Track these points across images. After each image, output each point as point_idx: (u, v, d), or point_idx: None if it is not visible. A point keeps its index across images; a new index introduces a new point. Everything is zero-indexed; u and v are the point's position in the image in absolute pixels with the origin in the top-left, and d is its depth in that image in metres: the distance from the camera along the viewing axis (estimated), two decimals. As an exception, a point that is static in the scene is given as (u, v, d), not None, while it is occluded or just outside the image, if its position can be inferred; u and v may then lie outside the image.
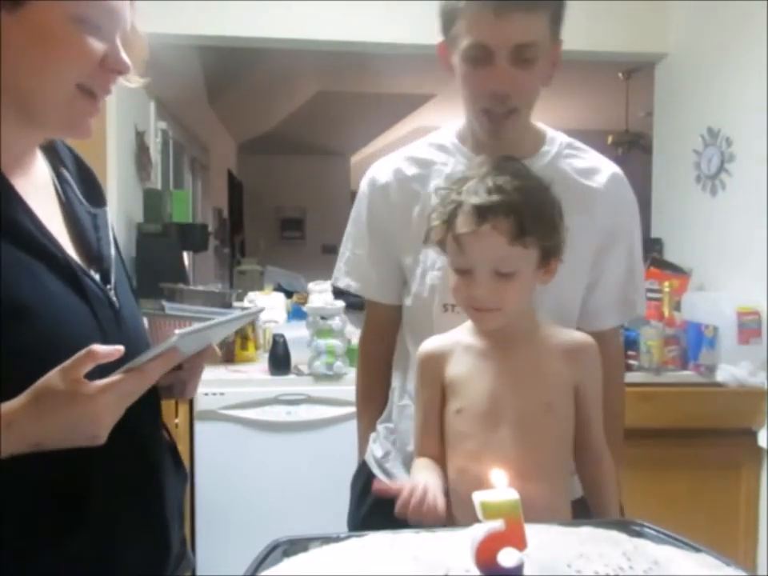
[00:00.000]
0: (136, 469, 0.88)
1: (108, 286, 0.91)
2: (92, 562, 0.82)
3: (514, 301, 1.03)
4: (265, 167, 7.81)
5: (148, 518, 0.90)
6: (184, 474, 1.04)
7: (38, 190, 0.90)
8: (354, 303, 3.02)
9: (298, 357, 2.58)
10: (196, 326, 0.82)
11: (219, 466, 2.45)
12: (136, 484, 0.88)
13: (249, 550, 0.73)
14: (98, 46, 0.83)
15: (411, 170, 1.26)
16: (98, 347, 0.75)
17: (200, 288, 3.01)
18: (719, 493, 2.52)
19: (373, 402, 1.41)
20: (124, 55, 0.87)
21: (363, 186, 1.33)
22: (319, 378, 2.51)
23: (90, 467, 0.81)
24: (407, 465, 1.25)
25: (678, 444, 2.46)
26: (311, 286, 2.72)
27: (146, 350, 0.80)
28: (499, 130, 1.15)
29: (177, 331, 0.76)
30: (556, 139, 1.25)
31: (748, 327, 2.54)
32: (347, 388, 2.51)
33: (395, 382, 1.35)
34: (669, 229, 3.26)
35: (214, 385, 2.45)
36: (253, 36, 3.03)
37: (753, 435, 2.50)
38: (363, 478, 1.36)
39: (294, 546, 0.71)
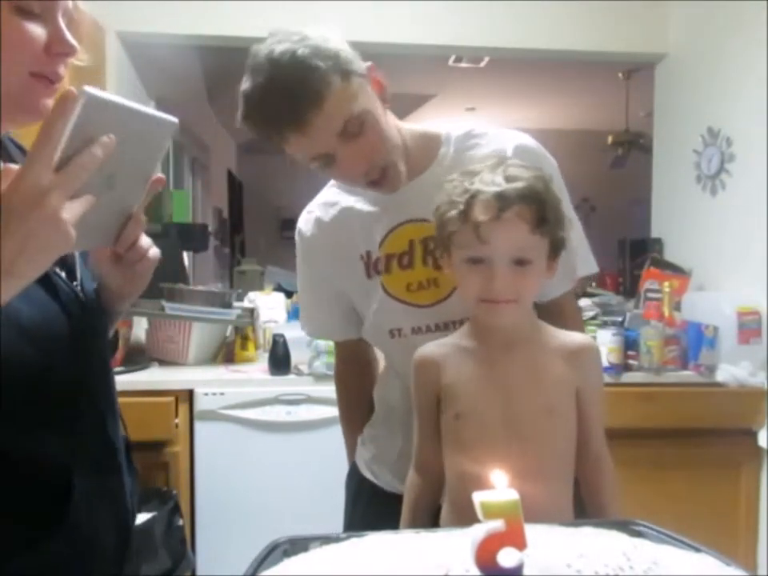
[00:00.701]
0: (107, 469, 0.91)
1: (75, 283, 0.92)
2: (71, 556, 0.84)
3: (530, 292, 1.01)
4: (265, 167, 7.79)
5: (114, 509, 0.94)
6: (135, 469, 1.09)
7: None
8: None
9: (297, 357, 2.58)
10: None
11: (219, 465, 2.45)
12: (108, 485, 0.91)
13: (249, 549, 0.73)
14: (39, 32, 0.81)
15: (329, 215, 1.31)
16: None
17: (200, 288, 3.01)
18: (719, 493, 2.52)
19: (353, 421, 1.48)
20: (69, 36, 0.84)
21: (296, 239, 1.38)
22: (319, 377, 2.51)
23: (68, 469, 0.82)
24: (392, 467, 1.31)
25: (678, 444, 2.46)
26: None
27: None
28: (389, 185, 1.15)
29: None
30: (450, 136, 1.23)
31: (748, 327, 2.54)
32: (347, 388, 2.52)
33: (376, 393, 1.40)
34: (669, 229, 3.27)
35: (214, 385, 2.46)
36: (253, 36, 3.01)
37: (753, 435, 2.50)
38: (355, 478, 1.41)
39: (294, 546, 0.71)
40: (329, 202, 1.32)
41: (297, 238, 1.38)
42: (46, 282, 0.85)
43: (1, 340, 0.77)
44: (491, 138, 1.22)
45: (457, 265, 1.03)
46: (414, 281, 1.20)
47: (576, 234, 1.25)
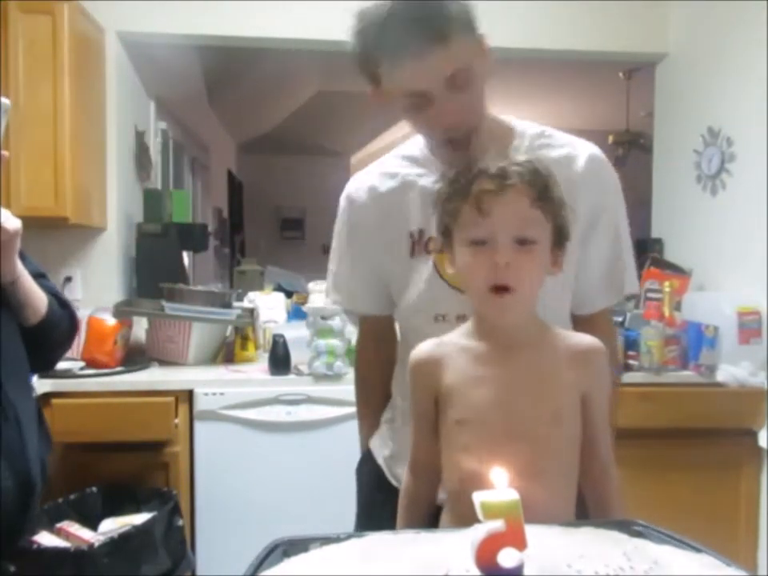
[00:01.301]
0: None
1: None
2: None
3: (534, 277, 0.97)
4: (265, 167, 7.81)
5: (11, 464, 1.06)
6: (48, 436, 1.23)
7: None
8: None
9: (298, 357, 2.58)
10: None
11: (219, 465, 2.45)
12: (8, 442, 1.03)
13: (249, 549, 0.73)
14: None
15: (385, 185, 1.26)
16: None
17: (200, 288, 3.01)
18: (719, 493, 2.52)
19: (371, 404, 1.43)
20: None
21: (342, 204, 1.34)
22: (319, 377, 2.51)
23: None
24: None
25: (678, 444, 2.46)
26: (311, 286, 2.72)
27: None
28: (467, 150, 1.13)
29: None
30: (525, 132, 1.23)
31: (748, 327, 2.54)
32: (347, 388, 2.50)
33: (395, 386, 1.36)
34: (669, 229, 3.26)
35: (214, 385, 2.45)
36: (253, 36, 3.03)
37: (753, 435, 2.50)
38: (371, 469, 1.36)
39: (294, 546, 0.71)
40: (389, 172, 1.28)
41: (344, 202, 1.33)
42: None
43: None
44: (564, 142, 1.23)
45: (459, 252, 1.00)
46: None
47: (627, 251, 1.27)
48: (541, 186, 0.96)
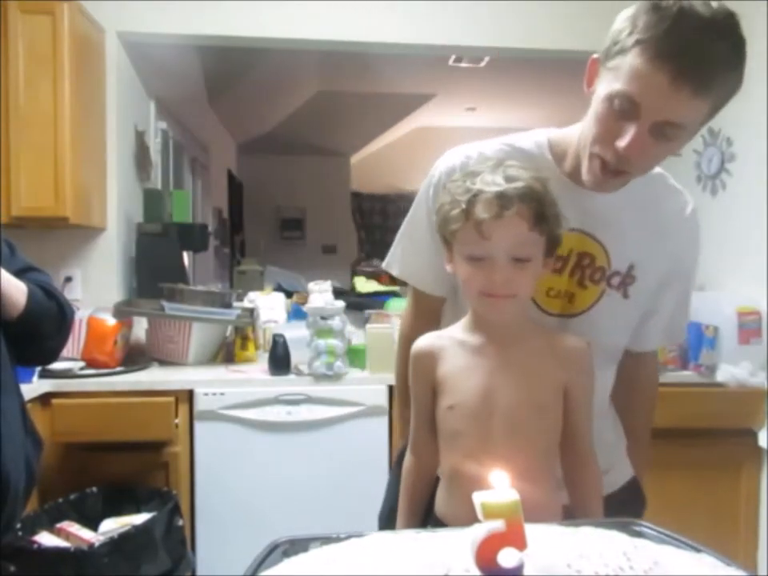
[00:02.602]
0: None
1: None
2: None
3: (527, 287, 1.04)
4: (265, 167, 7.80)
5: None
6: (37, 439, 1.25)
7: None
8: (353, 303, 3.03)
9: (297, 357, 2.58)
10: None
11: (219, 466, 2.45)
12: None
13: (249, 549, 0.73)
14: None
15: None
16: None
17: (200, 288, 3.01)
18: (719, 493, 2.52)
19: None
20: None
21: (438, 173, 1.23)
22: (319, 378, 2.51)
23: None
24: None
25: (678, 444, 2.46)
26: (311, 285, 2.72)
27: None
28: (605, 184, 1.09)
29: None
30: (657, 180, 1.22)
31: (748, 327, 2.54)
32: (347, 388, 2.52)
33: None
34: (669, 229, 3.26)
35: (214, 385, 2.45)
36: (253, 36, 3.03)
37: (753, 435, 2.50)
38: None
39: (294, 546, 0.71)
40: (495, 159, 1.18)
41: (440, 172, 1.22)
42: None
43: None
44: (674, 190, 1.24)
45: (458, 261, 1.06)
46: (555, 287, 1.17)
47: (689, 302, 1.31)
48: (538, 208, 1.00)
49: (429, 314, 1.36)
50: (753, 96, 2.65)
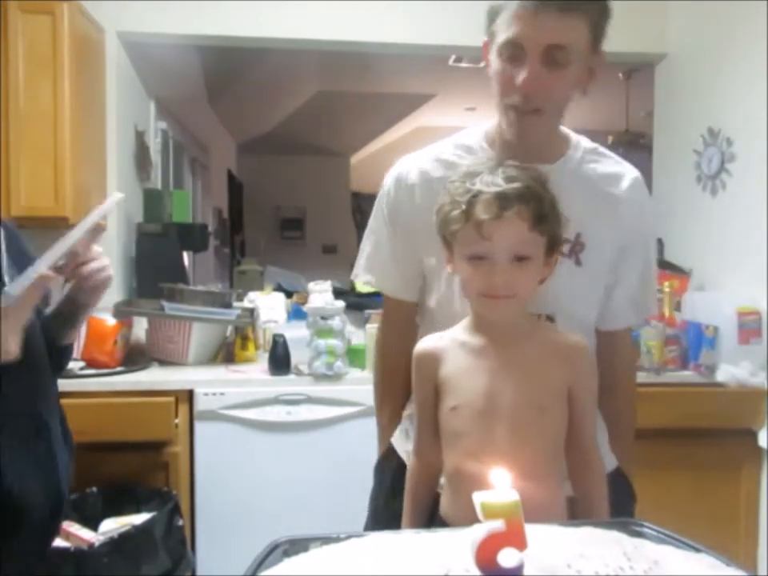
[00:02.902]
0: (36, 445, 1.05)
1: None
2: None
3: (528, 287, 1.04)
4: (265, 167, 7.80)
5: (45, 479, 1.10)
6: (71, 444, 1.26)
7: None
8: (353, 303, 3.03)
9: (297, 357, 2.58)
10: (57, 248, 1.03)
11: (219, 465, 2.45)
12: (36, 454, 1.05)
13: (249, 549, 0.73)
14: None
15: (437, 172, 1.25)
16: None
17: (200, 288, 3.01)
18: (719, 493, 2.52)
19: (393, 396, 1.40)
20: None
21: (388, 183, 1.31)
22: (319, 378, 2.50)
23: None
24: None
25: (678, 444, 2.46)
26: (311, 285, 2.72)
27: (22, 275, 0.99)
28: (523, 129, 1.15)
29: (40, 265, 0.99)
30: (580, 144, 1.27)
31: (748, 327, 2.54)
32: (347, 388, 2.52)
33: None
34: (669, 229, 3.26)
35: (214, 385, 2.45)
36: (253, 36, 3.03)
37: (753, 435, 2.50)
38: (393, 461, 1.35)
39: (294, 546, 0.71)
40: (443, 159, 1.26)
41: (390, 182, 1.30)
42: None
43: None
44: (614, 161, 1.27)
45: (458, 261, 1.07)
46: None
47: (654, 276, 1.32)
48: (538, 208, 1.01)
49: (401, 320, 1.39)
50: (753, 96, 2.65)
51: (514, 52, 1.10)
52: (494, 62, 1.14)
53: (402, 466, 1.31)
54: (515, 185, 1.01)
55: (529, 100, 1.12)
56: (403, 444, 1.36)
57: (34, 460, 1.07)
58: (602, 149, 1.29)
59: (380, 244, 1.34)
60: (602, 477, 1.10)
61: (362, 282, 1.39)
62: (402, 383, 1.35)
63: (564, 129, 1.28)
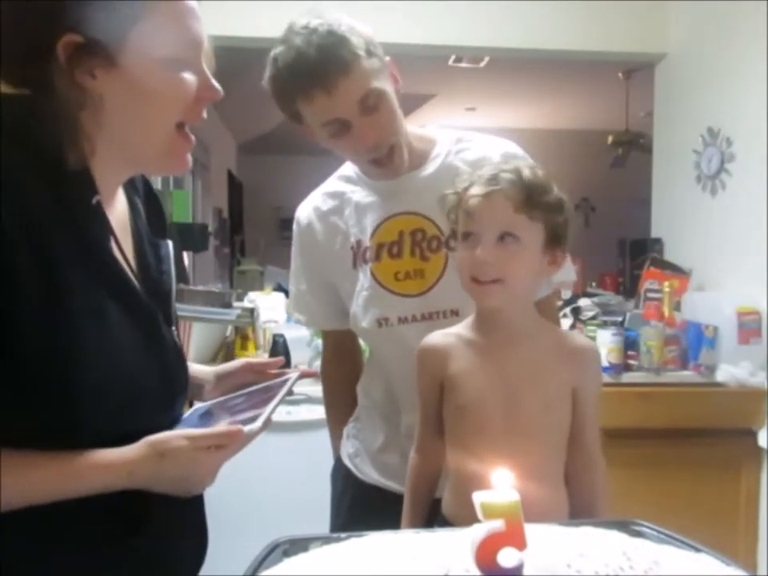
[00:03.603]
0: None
1: (173, 328, 0.94)
2: (153, 561, 0.89)
3: (516, 273, 1.03)
4: (265, 167, 7.81)
5: (194, 523, 1.04)
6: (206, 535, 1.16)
7: (119, 223, 0.92)
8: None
9: (297, 357, 2.58)
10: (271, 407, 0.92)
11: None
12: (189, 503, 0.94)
13: (249, 549, 0.73)
14: (191, 80, 0.85)
15: (327, 205, 1.36)
16: (239, 430, 0.84)
17: (200, 288, 3.01)
18: (719, 493, 2.52)
19: (337, 412, 1.57)
20: (214, 82, 0.88)
21: (294, 227, 1.42)
22: (319, 378, 2.50)
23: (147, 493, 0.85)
24: (374, 460, 1.38)
25: (678, 444, 2.46)
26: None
27: (253, 417, 0.90)
28: (391, 167, 1.23)
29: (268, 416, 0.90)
30: (444, 140, 1.32)
31: (748, 327, 2.54)
32: (347, 388, 2.52)
33: (360, 386, 1.46)
34: (669, 229, 3.27)
35: (214, 385, 2.45)
36: (253, 36, 3.03)
37: (753, 435, 2.50)
38: (341, 473, 1.48)
39: (294, 546, 0.71)
40: (329, 192, 1.38)
41: (294, 226, 1.42)
42: (152, 333, 0.88)
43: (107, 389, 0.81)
44: (479, 144, 1.30)
45: (458, 250, 1.08)
46: (401, 270, 1.26)
47: None
48: (526, 191, 1.02)
49: (336, 348, 1.55)
50: (753, 96, 2.65)
51: (338, 126, 1.18)
52: (327, 141, 1.23)
53: (347, 473, 1.45)
54: (507, 167, 1.04)
55: (379, 149, 1.20)
56: (345, 448, 1.48)
57: (185, 508, 0.96)
58: (469, 135, 1.34)
59: (300, 284, 1.43)
60: (603, 479, 1.10)
61: (294, 320, 1.54)
62: (348, 401, 1.52)
63: (426, 131, 1.36)
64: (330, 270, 1.35)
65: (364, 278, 1.29)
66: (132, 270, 0.88)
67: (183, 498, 0.89)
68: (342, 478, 1.47)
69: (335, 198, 1.36)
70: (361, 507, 1.37)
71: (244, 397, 1.04)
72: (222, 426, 0.88)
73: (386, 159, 1.22)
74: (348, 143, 1.20)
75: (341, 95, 1.13)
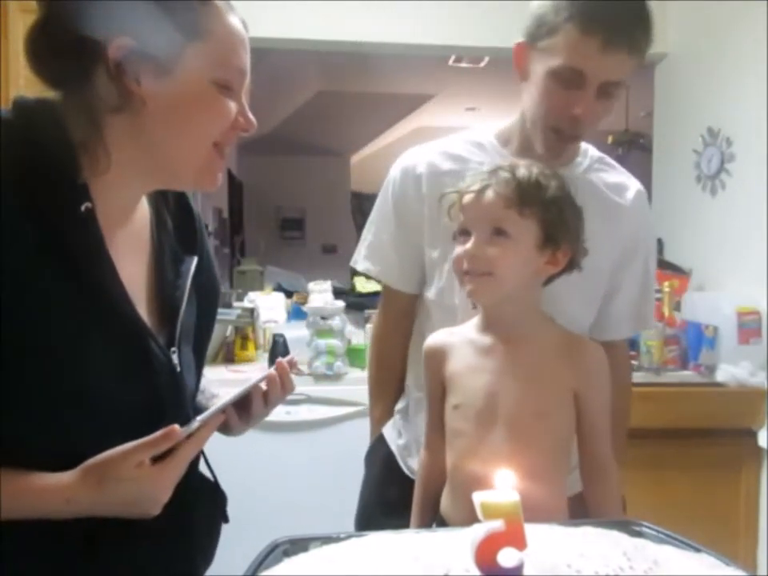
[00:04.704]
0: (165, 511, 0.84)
1: (172, 349, 0.91)
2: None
3: (506, 267, 1.02)
4: (265, 167, 7.80)
5: (173, 553, 0.95)
6: (222, 499, 1.17)
7: (133, 236, 0.90)
8: (353, 303, 3.03)
9: (297, 357, 2.57)
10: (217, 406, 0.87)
11: (219, 466, 2.44)
12: (162, 524, 0.85)
13: (249, 549, 0.73)
14: (232, 106, 0.87)
15: (446, 165, 1.26)
16: (173, 429, 0.77)
17: (200, 288, 3.01)
18: (719, 493, 2.52)
19: (386, 388, 1.42)
20: (250, 114, 0.90)
21: (395, 173, 1.32)
22: (319, 378, 2.50)
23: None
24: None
25: (678, 444, 2.46)
26: (311, 285, 2.72)
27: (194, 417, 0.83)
28: (559, 149, 1.19)
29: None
30: (588, 152, 1.29)
31: (748, 327, 2.54)
32: (347, 388, 2.52)
33: (410, 374, 1.36)
34: (669, 229, 3.26)
35: (214, 385, 2.45)
36: (253, 36, 3.01)
37: (753, 435, 2.50)
38: (383, 452, 1.38)
39: (294, 546, 0.71)
40: (451, 153, 1.27)
41: (397, 173, 1.31)
42: (140, 351, 0.85)
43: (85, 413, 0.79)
44: (620, 172, 1.30)
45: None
46: None
47: (653, 287, 1.36)
48: (519, 188, 1.02)
49: (398, 312, 1.39)
50: (753, 96, 2.65)
51: (571, 78, 1.11)
52: (544, 80, 1.13)
53: (390, 454, 1.35)
54: (504, 165, 1.05)
55: (578, 128, 1.15)
56: (394, 436, 1.38)
57: (173, 525, 0.91)
58: (608, 159, 1.32)
59: (382, 233, 1.34)
60: (616, 486, 1.08)
61: (361, 269, 1.39)
62: (396, 375, 1.39)
63: None
64: (425, 231, 1.26)
65: None
66: (121, 284, 0.83)
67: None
68: (384, 464, 1.36)
69: (457, 161, 1.25)
70: (403, 499, 1.24)
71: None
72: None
73: (567, 140, 1.18)
74: (561, 99, 1.12)
75: (608, 63, 1.09)
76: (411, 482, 1.27)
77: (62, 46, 0.79)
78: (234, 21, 0.87)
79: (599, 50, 1.07)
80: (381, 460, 1.39)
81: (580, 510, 1.08)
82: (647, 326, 1.38)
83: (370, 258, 1.36)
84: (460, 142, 1.28)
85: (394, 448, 1.37)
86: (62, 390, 0.77)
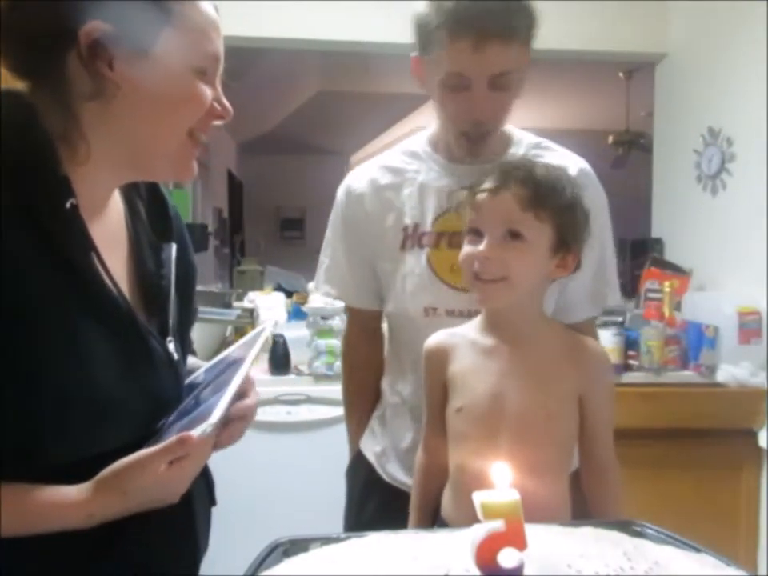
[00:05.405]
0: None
1: (168, 339, 0.90)
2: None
3: (520, 271, 1.00)
4: (265, 167, 7.81)
5: (181, 539, 0.94)
6: (210, 481, 1.13)
7: (111, 228, 0.89)
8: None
9: (297, 357, 2.58)
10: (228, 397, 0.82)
11: (219, 466, 2.44)
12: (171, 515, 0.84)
13: (249, 549, 0.73)
14: (208, 92, 0.85)
15: (385, 179, 1.29)
16: (189, 437, 0.75)
17: (200, 288, 3.00)
18: (719, 493, 2.52)
19: (360, 402, 1.44)
20: (226, 101, 0.89)
21: (340, 195, 1.36)
22: (319, 378, 2.50)
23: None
24: (402, 462, 1.30)
25: (678, 444, 2.46)
26: (311, 285, 2.72)
27: (204, 416, 0.80)
28: (476, 149, 1.21)
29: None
30: (523, 140, 1.29)
31: (748, 327, 2.54)
32: (347, 388, 2.52)
33: (386, 381, 1.38)
34: (669, 229, 3.26)
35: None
36: (253, 36, 3.03)
37: (753, 435, 2.50)
38: (362, 470, 1.39)
39: (294, 546, 0.71)
40: (390, 166, 1.31)
41: (342, 194, 1.35)
42: (141, 346, 0.85)
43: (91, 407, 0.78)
44: (559, 155, 1.28)
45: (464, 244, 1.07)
46: (458, 262, 1.21)
47: (611, 267, 1.34)
48: (535, 191, 1.00)
49: (362, 328, 1.44)
50: (753, 96, 2.65)
51: (457, 83, 1.13)
52: (438, 89, 1.17)
53: (371, 471, 1.36)
54: (518, 166, 1.03)
55: (481, 127, 1.17)
56: (370, 445, 1.39)
57: (174, 520, 0.88)
58: (547, 142, 1.31)
59: (336, 255, 1.38)
60: (618, 491, 1.08)
61: (322, 293, 1.44)
62: (369, 389, 1.41)
63: (507, 127, 1.30)
64: (373, 246, 1.30)
65: (415, 263, 1.24)
66: (112, 278, 0.83)
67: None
68: (364, 476, 1.39)
69: (395, 173, 1.29)
70: (385, 508, 1.29)
71: (224, 365, 0.95)
72: (173, 436, 0.78)
73: (477, 140, 1.19)
74: (455, 104, 1.16)
75: (485, 59, 1.09)
76: (393, 489, 1.29)
77: (31, 34, 0.78)
78: (205, 5, 0.84)
79: (472, 49, 1.08)
80: (359, 475, 1.40)
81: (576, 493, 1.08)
82: (605, 305, 1.37)
83: (329, 282, 1.40)
84: (398, 153, 1.32)
85: (371, 457, 1.38)
86: (63, 389, 0.77)
